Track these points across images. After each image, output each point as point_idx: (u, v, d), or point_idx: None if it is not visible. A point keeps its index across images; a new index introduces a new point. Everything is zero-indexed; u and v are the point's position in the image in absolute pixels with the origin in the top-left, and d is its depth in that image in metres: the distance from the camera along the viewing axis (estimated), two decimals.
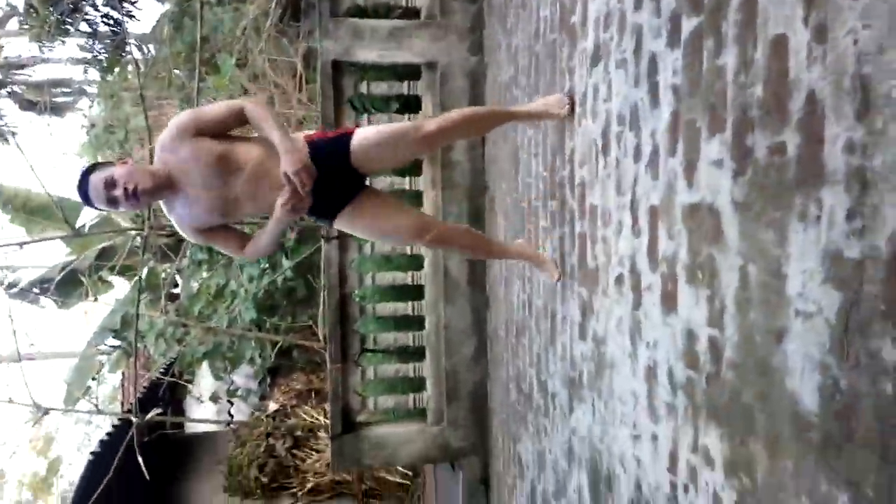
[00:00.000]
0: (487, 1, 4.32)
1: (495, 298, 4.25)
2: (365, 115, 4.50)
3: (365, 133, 2.45)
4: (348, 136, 2.45)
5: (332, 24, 4.31)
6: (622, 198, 2.13)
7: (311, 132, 2.59)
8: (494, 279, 4.27)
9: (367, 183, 2.66)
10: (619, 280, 2.17)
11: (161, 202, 2.35)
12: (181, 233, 2.46)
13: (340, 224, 2.57)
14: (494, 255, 3.17)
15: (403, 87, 4.55)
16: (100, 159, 8.50)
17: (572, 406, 2.71)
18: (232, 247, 2.49)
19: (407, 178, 4.59)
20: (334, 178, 2.42)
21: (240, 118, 2.27)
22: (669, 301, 1.81)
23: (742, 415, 1.49)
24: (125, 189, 2.16)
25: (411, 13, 4.61)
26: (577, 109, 2.59)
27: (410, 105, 4.62)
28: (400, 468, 7.14)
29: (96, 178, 2.20)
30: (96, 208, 2.34)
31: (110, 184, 2.17)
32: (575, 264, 2.63)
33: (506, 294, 3.93)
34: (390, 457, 4.52)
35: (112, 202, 2.20)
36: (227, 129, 2.30)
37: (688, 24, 1.70)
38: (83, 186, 2.22)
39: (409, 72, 4.63)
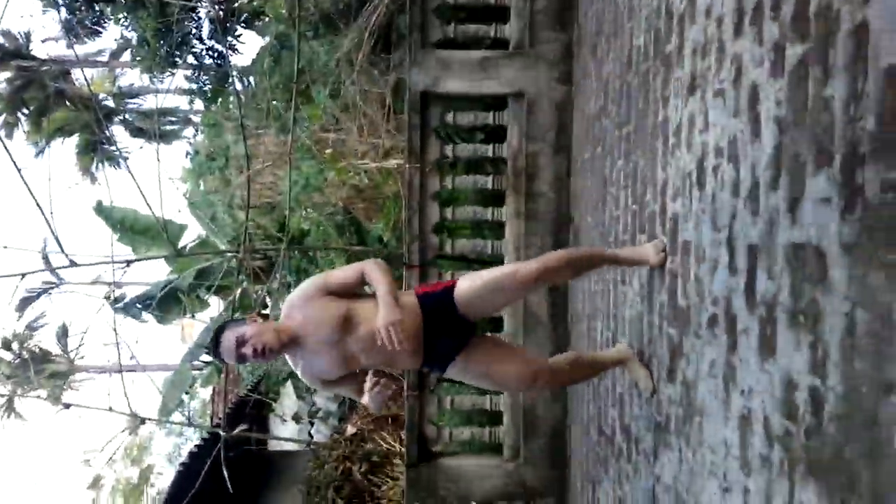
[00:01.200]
0: (578, 30, 4.29)
1: (578, 335, 4.14)
2: (450, 145, 4.54)
3: (466, 283, 2.55)
4: (452, 287, 2.57)
5: (422, 55, 4.39)
6: (718, 234, 2.03)
7: (421, 286, 2.79)
8: (576, 314, 4.17)
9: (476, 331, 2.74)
10: (712, 321, 2.06)
11: (286, 354, 2.52)
12: (305, 382, 2.64)
13: (452, 373, 2.66)
14: (603, 369, 3.12)
15: (489, 118, 4.57)
16: (201, 186, 8.96)
17: (657, 452, 2.58)
18: (350, 392, 2.64)
19: (490, 209, 4.58)
20: (445, 328, 2.54)
21: (361, 280, 2.47)
22: (768, 346, 1.70)
23: (844, 471, 1.36)
24: (254, 349, 2.32)
25: (500, 44, 4.64)
26: (671, 140, 2.50)
27: (496, 135, 4.63)
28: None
29: (228, 337, 2.37)
30: (225, 362, 2.57)
31: (241, 343, 2.34)
32: (665, 302, 2.53)
33: (588, 330, 3.82)
34: (465, 490, 4.45)
35: (241, 358, 2.38)
36: (352, 289, 2.49)
37: (792, 53, 1.61)
38: (216, 341, 2.41)
39: (496, 102, 4.65)
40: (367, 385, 2.39)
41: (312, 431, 10.21)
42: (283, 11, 7.60)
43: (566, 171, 4.37)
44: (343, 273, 2.52)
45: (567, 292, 4.37)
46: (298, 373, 2.56)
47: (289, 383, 7.88)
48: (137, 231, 9.41)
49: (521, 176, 4.37)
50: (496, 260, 4.81)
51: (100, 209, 9.91)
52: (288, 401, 9.98)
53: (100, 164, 14.21)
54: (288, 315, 2.45)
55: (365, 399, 2.45)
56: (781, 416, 1.62)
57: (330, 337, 2.39)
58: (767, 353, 1.70)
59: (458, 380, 2.75)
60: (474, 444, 4.81)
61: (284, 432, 11.32)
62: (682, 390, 2.31)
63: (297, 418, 8.90)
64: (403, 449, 4.89)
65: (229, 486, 4.69)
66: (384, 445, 7.43)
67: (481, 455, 4.73)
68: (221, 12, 9.19)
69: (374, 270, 2.43)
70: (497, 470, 4.46)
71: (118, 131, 14.63)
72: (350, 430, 7.86)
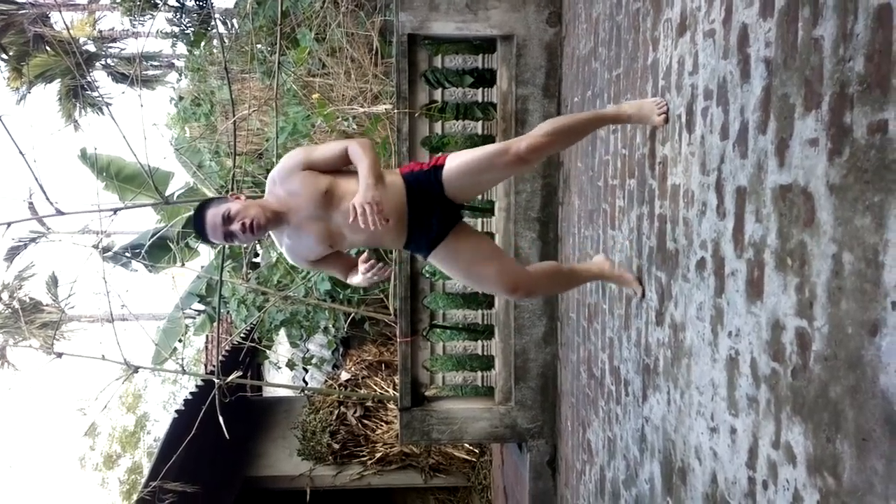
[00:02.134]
0: None
1: None
2: (439, 89, 4.46)
3: (455, 162, 2.45)
4: (440, 167, 2.47)
5: None
6: (707, 177, 2.02)
7: (409, 164, 2.65)
8: (567, 259, 4.18)
9: (462, 216, 2.68)
10: (700, 264, 2.07)
11: (271, 232, 2.45)
12: (291, 261, 2.57)
13: (435, 259, 2.59)
14: (581, 282, 3.12)
15: (478, 61, 4.48)
16: (187, 132, 8.82)
17: (646, 394, 2.63)
18: (337, 272, 2.59)
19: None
20: (430, 209, 2.46)
21: (345, 157, 2.36)
22: (755, 288, 1.71)
23: (829, 411, 1.40)
24: (242, 223, 2.25)
25: None
26: (661, 82, 2.47)
27: (485, 79, 4.55)
28: (467, 445, 7.21)
29: (213, 214, 2.30)
30: (211, 242, 2.46)
31: (227, 219, 2.27)
32: (654, 246, 2.54)
33: None
34: (458, 433, 4.55)
35: (229, 236, 2.30)
36: (334, 167, 2.39)
37: None
38: (199, 220, 2.33)
39: (485, 45, 4.55)
40: (363, 268, 2.34)
41: (307, 378, 10.35)
42: None
43: (556, 114, 4.32)
44: (325, 149, 2.40)
45: (558, 235, 4.38)
46: (284, 252, 2.52)
47: (282, 331, 7.94)
48: (124, 179, 9.29)
49: (510, 120, 4.32)
50: (487, 206, 4.79)
51: (84, 157, 9.76)
52: (282, 348, 10.07)
53: (83, 111, 13.93)
54: (270, 192, 2.40)
55: (356, 279, 2.43)
56: (768, 358, 1.65)
57: (313, 212, 2.34)
58: (755, 295, 1.72)
59: (441, 269, 2.65)
60: (466, 389, 4.89)
61: (279, 379, 11.48)
62: (671, 333, 2.35)
63: (291, 365, 8.99)
64: (396, 393, 4.97)
65: (225, 432, 4.77)
66: (377, 390, 7.55)
67: (474, 398, 4.81)
68: None
69: (357, 148, 2.33)
70: (489, 413, 4.54)
71: (100, 77, 14.29)
72: (344, 375, 7.97)
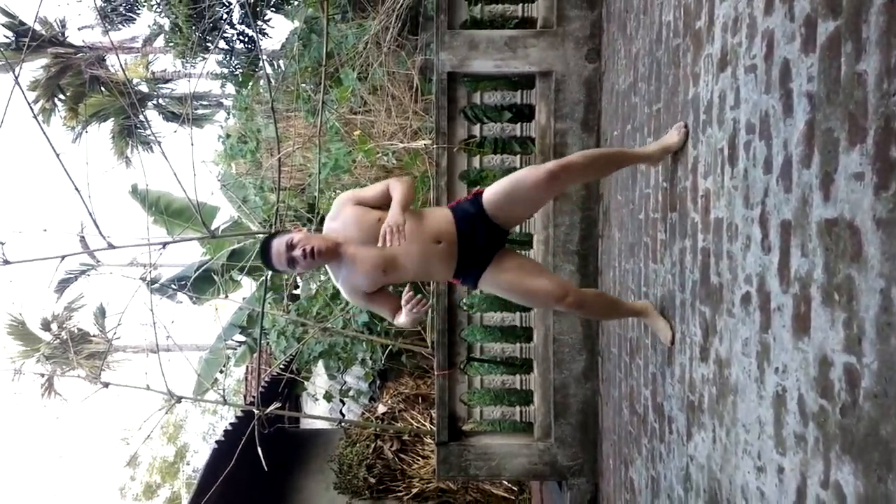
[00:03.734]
0: (607, 7, 4.23)
1: None
2: (477, 125, 4.53)
3: (494, 186, 2.65)
4: (480, 194, 2.66)
5: (449, 36, 4.37)
6: (751, 211, 2.00)
7: (457, 199, 2.88)
8: (608, 292, 4.15)
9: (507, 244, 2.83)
10: (745, 299, 2.04)
11: (328, 267, 2.64)
12: (346, 296, 2.74)
13: (484, 283, 2.73)
14: (623, 313, 3.22)
15: (517, 97, 4.54)
16: (233, 168, 9.06)
17: (690, 431, 2.58)
18: (387, 312, 2.74)
19: None
20: (477, 235, 2.61)
21: (388, 193, 2.56)
22: (802, 324, 1.68)
23: (880, 450, 1.36)
24: (303, 250, 2.44)
25: (528, 22, 4.60)
26: (702, 117, 2.47)
27: (523, 114, 4.61)
28: (505, 482, 7.09)
29: (278, 242, 2.51)
30: (276, 270, 2.67)
31: (290, 246, 2.47)
32: (697, 280, 2.51)
33: None
34: (496, 469, 4.49)
35: (291, 262, 2.50)
36: (382, 203, 2.59)
37: (823, 28, 1.58)
38: (266, 249, 2.54)
39: (524, 81, 4.61)
40: (404, 299, 2.49)
41: (343, 410, 10.36)
42: None
43: (595, 147, 4.34)
44: (372, 187, 2.64)
45: (598, 268, 4.36)
46: (340, 286, 2.67)
47: (320, 363, 7.99)
48: (172, 213, 9.59)
49: (549, 153, 4.35)
50: (526, 238, 4.80)
51: (135, 192, 10.11)
52: (319, 380, 10.13)
53: (134, 148, 14.45)
54: (328, 229, 2.61)
55: (402, 319, 2.57)
56: (816, 395, 1.61)
57: (367, 239, 2.50)
58: (801, 331, 1.69)
59: (491, 291, 2.81)
60: (505, 423, 4.84)
61: (316, 411, 11.51)
62: (715, 369, 2.31)
63: (328, 397, 9.02)
64: (433, 427, 4.95)
65: (264, 464, 4.79)
66: (414, 424, 7.52)
67: (512, 434, 4.76)
68: None
69: (395, 182, 2.55)
70: (528, 449, 4.48)
71: (152, 116, 14.84)
72: (381, 408, 7.95)
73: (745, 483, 2.04)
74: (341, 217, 2.57)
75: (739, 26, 2.10)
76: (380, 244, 2.40)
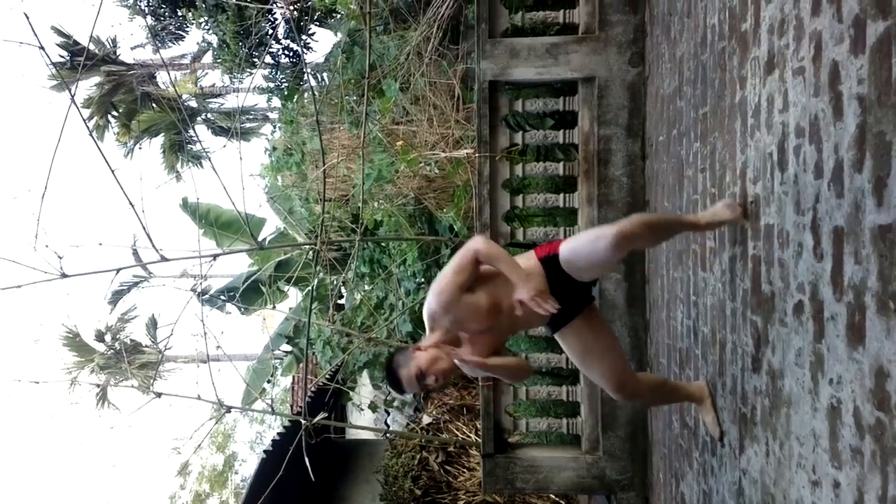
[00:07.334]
0: (650, 11, 4.17)
1: (657, 322, 4.05)
2: (519, 132, 4.51)
3: (564, 250, 2.59)
4: (555, 255, 2.62)
5: (490, 44, 4.38)
6: (802, 217, 1.94)
7: (538, 248, 2.75)
8: (655, 301, 4.08)
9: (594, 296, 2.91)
10: (798, 308, 1.98)
11: None
12: (466, 372, 2.75)
13: (559, 336, 2.79)
14: (678, 400, 3.24)
15: (559, 104, 4.50)
16: (280, 181, 9.23)
17: (743, 445, 2.51)
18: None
19: (561, 196, 4.53)
20: (564, 287, 2.61)
21: (477, 262, 2.52)
22: (856, 333, 1.62)
23: None
24: (436, 378, 2.51)
25: (570, 28, 4.57)
26: (750, 120, 2.41)
27: (566, 120, 4.57)
28: (552, 496, 6.99)
29: (406, 375, 2.52)
30: (407, 392, 2.75)
31: (421, 376, 2.50)
32: (748, 289, 2.44)
33: (668, 318, 3.73)
34: (543, 482, 4.44)
35: (426, 388, 2.59)
36: (473, 277, 2.52)
37: (873, 29, 1.53)
38: (395, 379, 2.57)
39: (566, 87, 4.58)
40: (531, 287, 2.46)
41: (388, 420, 10.40)
42: (354, 7, 7.72)
43: (640, 154, 4.27)
44: (458, 266, 2.50)
45: (645, 280, 4.29)
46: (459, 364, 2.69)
47: (365, 373, 8.04)
48: (221, 225, 9.81)
49: (592, 160, 4.31)
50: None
51: (185, 205, 10.39)
52: (364, 390, 10.19)
53: (185, 163, 14.86)
54: (441, 327, 2.55)
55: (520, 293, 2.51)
56: (872, 406, 1.55)
57: (484, 327, 2.54)
58: (856, 340, 1.63)
59: (561, 344, 2.84)
60: (551, 436, 4.78)
61: (361, 421, 11.58)
62: (768, 380, 2.24)
63: (373, 407, 9.06)
64: (479, 439, 4.92)
65: (311, 474, 4.83)
66: (460, 435, 7.49)
67: (559, 446, 4.70)
68: (296, 13, 9.42)
69: (484, 251, 2.47)
70: (575, 462, 4.41)
71: (201, 130, 15.24)
72: (426, 419, 7.95)
73: (799, 497, 1.97)
74: (453, 315, 2.49)
75: (786, 28, 2.05)
76: (520, 312, 2.48)
